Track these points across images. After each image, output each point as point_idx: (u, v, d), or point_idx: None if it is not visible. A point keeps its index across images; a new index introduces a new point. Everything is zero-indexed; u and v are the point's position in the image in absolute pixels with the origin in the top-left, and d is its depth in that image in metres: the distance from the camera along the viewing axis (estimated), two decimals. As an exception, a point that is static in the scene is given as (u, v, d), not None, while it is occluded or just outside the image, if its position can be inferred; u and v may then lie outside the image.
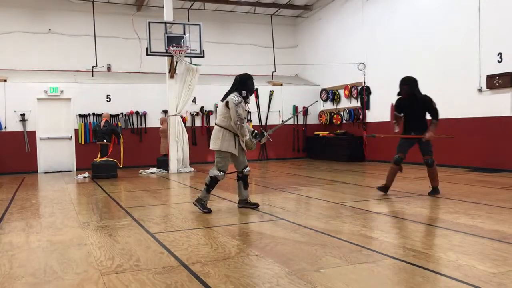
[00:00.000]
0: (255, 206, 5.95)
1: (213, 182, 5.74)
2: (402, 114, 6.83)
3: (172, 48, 11.13)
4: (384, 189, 6.89)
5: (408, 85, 6.75)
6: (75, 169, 12.94)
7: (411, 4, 11.89)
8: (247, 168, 5.92)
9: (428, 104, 6.63)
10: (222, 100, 5.76)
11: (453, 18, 10.60)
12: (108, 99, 13.33)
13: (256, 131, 5.94)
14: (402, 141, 6.84)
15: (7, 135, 12.33)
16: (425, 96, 6.73)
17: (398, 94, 6.88)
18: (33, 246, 4.26)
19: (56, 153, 12.91)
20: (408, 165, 11.53)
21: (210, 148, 5.83)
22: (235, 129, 5.62)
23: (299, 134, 15.42)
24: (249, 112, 6.02)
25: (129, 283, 3.12)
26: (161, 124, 12.68)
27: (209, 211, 5.73)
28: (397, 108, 6.87)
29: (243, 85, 5.72)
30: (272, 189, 7.92)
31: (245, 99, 5.70)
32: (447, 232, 4.35)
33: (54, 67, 13.68)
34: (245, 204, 5.99)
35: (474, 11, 10.01)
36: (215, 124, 5.83)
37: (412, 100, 6.70)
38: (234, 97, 5.60)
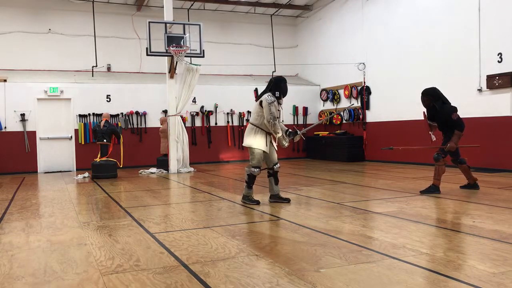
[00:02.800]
0: (286, 201, 6.26)
1: (251, 178, 6.15)
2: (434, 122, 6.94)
3: (172, 48, 11.13)
4: (432, 189, 6.80)
5: (427, 97, 6.86)
6: (75, 169, 12.94)
7: (411, 4, 11.89)
8: (278, 165, 6.22)
9: (446, 117, 6.68)
10: (257, 100, 6.14)
11: (453, 18, 10.60)
12: (108, 99, 13.33)
13: (290, 130, 6.22)
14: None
15: (7, 135, 12.33)
16: (446, 108, 6.75)
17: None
18: (33, 246, 4.26)
19: (56, 153, 12.91)
20: (409, 165, 11.55)
21: (243, 145, 6.23)
22: (267, 127, 5.96)
23: (299, 134, 15.40)
24: (279, 112, 6.22)
25: (129, 283, 3.12)
26: (161, 124, 12.68)
27: (257, 202, 6.18)
28: (428, 115, 7.00)
29: (277, 87, 6.08)
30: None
31: (278, 99, 6.04)
32: (447, 232, 4.35)
33: (54, 67, 13.69)
34: (277, 199, 6.28)
35: (474, 11, 10.02)
36: (249, 122, 6.19)
37: (433, 111, 6.86)
38: (267, 97, 5.97)
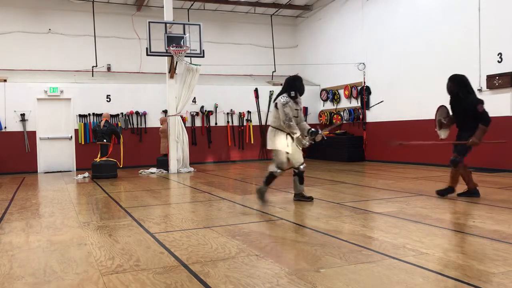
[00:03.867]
0: (309, 200, 6.31)
1: (270, 177, 6.16)
2: (447, 118, 6.50)
3: (172, 48, 11.13)
4: (447, 191, 6.44)
5: (453, 83, 6.34)
6: (75, 169, 12.94)
7: (411, 4, 11.89)
8: (303, 165, 6.26)
9: (471, 108, 6.11)
10: (273, 102, 6.22)
11: (453, 18, 10.60)
12: (108, 99, 13.33)
13: (312, 129, 6.20)
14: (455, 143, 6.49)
15: (7, 135, 12.33)
16: (472, 98, 6.23)
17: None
18: (33, 246, 4.26)
19: (56, 153, 12.91)
20: (408, 165, 11.55)
21: (267, 147, 6.29)
22: (285, 128, 6.01)
23: (299, 134, 15.41)
24: (297, 111, 6.19)
25: (129, 283, 3.12)
26: (161, 124, 12.68)
27: (265, 200, 6.24)
28: (450, 108, 6.50)
29: (292, 86, 6.14)
30: (272, 189, 7.90)
31: (295, 98, 6.09)
32: (447, 232, 4.35)
33: (54, 67, 13.68)
34: (301, 198, 6.34)
35: (474, 11, 10.01)
36: (270, 125, 6.29)
37: (456, 99, 6.34)
38: (281, 98, 6.04)
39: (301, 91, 6.22)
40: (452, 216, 5.05)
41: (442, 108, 6.66)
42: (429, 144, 6.55)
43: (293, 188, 6.45)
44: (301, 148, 6.24)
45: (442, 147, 10.89)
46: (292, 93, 6.08)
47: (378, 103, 7.14)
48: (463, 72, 10.18)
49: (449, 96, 6.50)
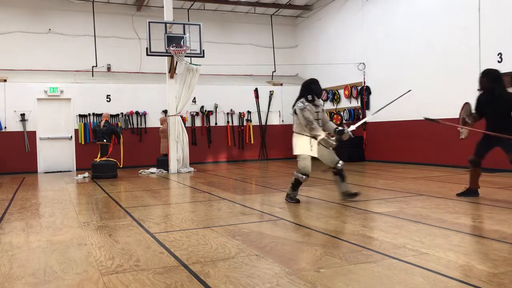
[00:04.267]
0: (355, 196, 6.22)
1: (296, 183, 6.19)
2: (470, 117, 6.11)
3: (172, 48, 11.13)
4: (468, 192, 6.24)
5: (486, 78, 5.92)
6: (75, 169, 12.94)
7: (411, 4, 11.89)
8: (340, 163, 6.15)
9: (508, 104, 5.73)
10: (292, 108, 6.25)
11: (453, 18, 10.60)
12: (108, 99, 13.33)
13: (339, 128, 6.10)
14: (480, 143, 6.17)
15: (7, 135, 12.33)
16: (507, 92, 5.87)
17: (478, 89, 6.12)
18: (33, 246, 4.26)
19: (56, 153, 12.91)
20: (408, 165, 11.55)
21: (293, 153, 6.30)
22: (308, 132, 6.00)
23: (299, 134, 15.41)
24: (317, 113, 6.12)
25: (129, 283, 3.12)
26: (161, 124, 12.68)
27: (296, 201, 6.23)
28: (476, 105, 6.08)
29: (308, 90, 6.17)
30: (272, 189, 7.92)
31: (313, 102, 6.08)
32: (447, 232, 4.35)
33: (54, 67, 13.68)
34: (346, 196, 6.23)
35: (474, 11, 10.01)
36: (293, 131, 6.28)
37: (490, 96, 5.89)
38: (298, 104, 6.08)
39: (318, 93, 6.21)
40: (452, 216, 5.05)
41: (467, 105, 6.26)
42: (471, 129, 6.07)
43: (337, 189, 6.34)
44: (331, 148, 6.10)
45: (442, 148, 10.90)
46: (309, 97, 6.08)
47: (406, 92, 6.88)
48: (463, 72, 10.28)
49: (480, 92, 6.05)
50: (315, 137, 6.01)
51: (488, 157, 9.89)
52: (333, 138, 6.04)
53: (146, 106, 13.67)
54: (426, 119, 6.62)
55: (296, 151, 6.17)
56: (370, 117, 6.31)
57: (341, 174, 6.17)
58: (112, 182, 9.86)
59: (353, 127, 6.20)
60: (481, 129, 6.10)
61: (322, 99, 15.38)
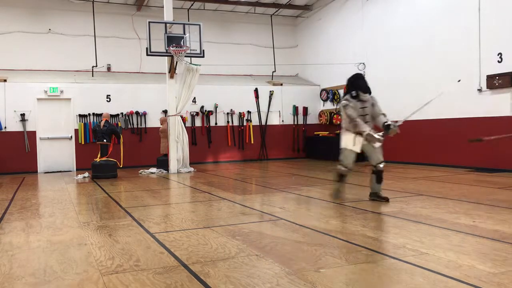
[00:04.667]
0: (384, 200, 6.16)
1: (337, 175, 6.30)
2: None
3: (172, 48, 11.13)
4: None
5: None
6: (75, 169, 12.94)
7: (411, 4, 11.89)
8: (382, 164, 6.13)
9: None
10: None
11: (453, 18, 10.60)
12: (108, 99, 13.33)
13: (387, 123, 6.03)
14: None
15: (7, 135, 12.33)
16: None
17: None
18: (33, 246, 4.26)
19: (56, 153, 12.91)
20: (408, 165, 11.55)
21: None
22: (353, 129, 6.03)
23: (299, 134, 15.43)
24: (363, 109, 6.15)
25: (129, 283, 3.12)
26: (161, 124, 12.68)
27: (336, 197, 6.35)
28: None
29: (351, 86, 6.24)
30: (272, 189, 7.92)
31: (357, 97, 6.11)
32: (447, 232, 4.35)
33: (54, 67, 13.68)
34: (376, 197, 6.23)
35: (474, 11, 10.01)
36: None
37: None
38: (342, 102, 6.20)
39: (362, 88, 6.17)
40: (452, 216, 5.05)
41: None
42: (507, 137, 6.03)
43: (370, 186, 6.32)
44: (379, 145, 6.00)
45: (442, 148, 10.89)
46: (353, 93, 6.12)
47: (439, 95, 6.72)
48: (463, 72, 10.27)
49: None
50: (360, 134, 5.98)
51: (489, 157, 9.92)
52: (380, 134, 5.96)
53: (146, 106, 13.67)
54: (470, 141, 6.64)
55: (341, 144, 6.22)
56: (400, 121, 6.11)
57: (379, 175, 6.14)
58: (112, 182, 9.86)
59: (400, 122, 6.12)
60: None
61: (322, 99, 15.41)
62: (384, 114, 6.16)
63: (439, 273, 3.13)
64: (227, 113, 14.70)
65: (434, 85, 10.99)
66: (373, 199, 6.26)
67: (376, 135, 5.91)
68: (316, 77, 15.80)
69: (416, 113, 6.40)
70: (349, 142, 6.09)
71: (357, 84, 6.20)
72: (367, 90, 6.26)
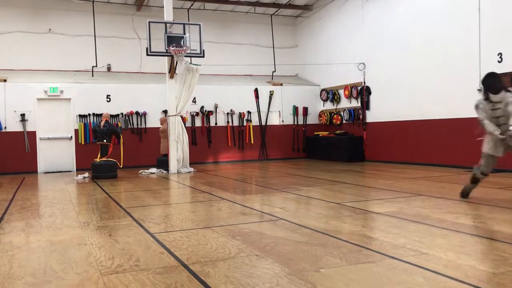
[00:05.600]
0: (466, 196, 6.14)
1: (473, 178, 6.12)
2: None
3: (172, 48, 11.13)
4: None
5: None
6: (75, 169, 12.94)
7: (411, 4, 11.89)
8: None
9: None
10: None
11: (453, 18, 10.60)
12: (108, 99, 13.33)
13: None
14: None
15: (7, 135, 12.33)
16: None
17: None
18: (33, 246, 4.26)
19: (56, 153, 12.91)
20: (408, 165, 11.55)
21: None
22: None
23: (299, 134, 15.43)
24: (494, 110, 5.87)
25: (129, 283, 3.12)
26: (161, 124, 12.68)
27: (464, 196, 6.18)
28: None
29: (483, 86, 5.99)
30: (272, 189, 7.92)
31: (487, 99, 5.81)
32: (447, 232, 4.35)
33: (54, 67, 13.68)
34: (464, 195, 6.18)
35: (474, 11, 10.01)
36: None
37: None
38: (475, 102, 6.01)
39: (491, 87, 5.77)
40: (452, 216, 5.05)
41: None
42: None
43: (467, 185, 6.20)
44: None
45: (442, 148, 10.89)
46: (487, 94, 5.83)
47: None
48: (463, 72, 10.27)
49: None
50: (501, 134, 5.70)
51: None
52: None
53: (146, 106, 13.67)
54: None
55: (482, 149, 6.03)
56: None
57: (478, 180, 6.07)
58: (112, 182, 9.86)
59: None
60: None
61: (322, 99, 15.39)
62: None
63: (439, 273, 3.13)
64: (227, 113, 14.70)
65: (434, 85, 11.00)
66: (462, 196, 6.20)
67: (500, 135, 5.67)
68: (316, 77, 15.80)
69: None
70: (488, 146, 5.89)
71: (487, 84, 5.84)
72: (498, 89, 5.76)
